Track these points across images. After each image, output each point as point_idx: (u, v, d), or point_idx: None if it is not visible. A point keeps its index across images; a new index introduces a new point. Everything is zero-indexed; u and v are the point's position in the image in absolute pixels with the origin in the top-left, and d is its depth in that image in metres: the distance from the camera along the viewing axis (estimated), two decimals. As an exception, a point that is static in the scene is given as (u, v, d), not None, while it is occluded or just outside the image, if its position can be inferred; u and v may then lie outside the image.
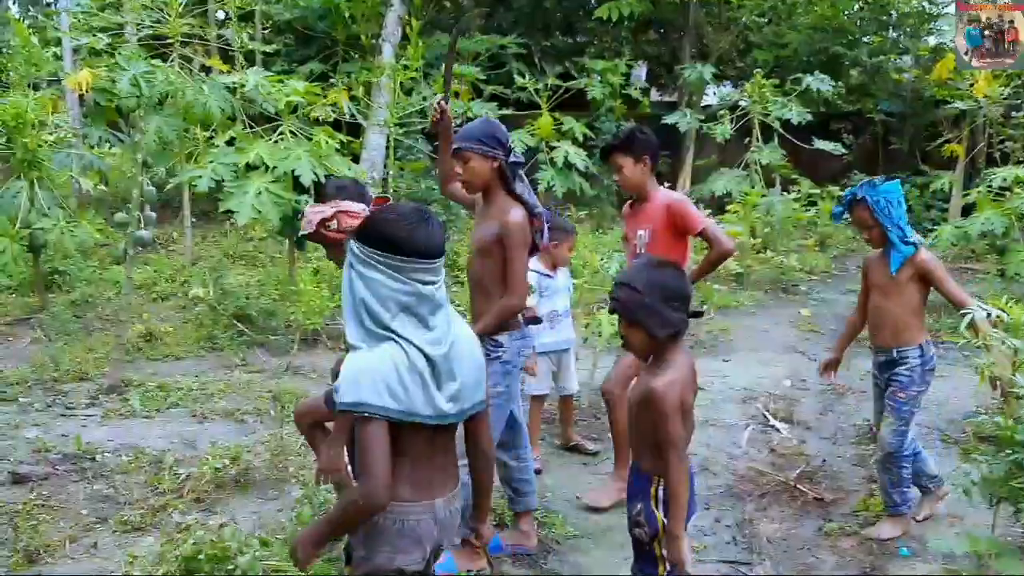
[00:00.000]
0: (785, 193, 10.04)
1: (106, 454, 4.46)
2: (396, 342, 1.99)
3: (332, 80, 10.48)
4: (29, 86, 7.81)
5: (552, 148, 10.18)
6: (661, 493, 2.47)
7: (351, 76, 10.53)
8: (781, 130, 10.39)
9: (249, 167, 6.14)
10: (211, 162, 6.06)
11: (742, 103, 10.89)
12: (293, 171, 6.20)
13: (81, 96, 8.12)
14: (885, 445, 3.69)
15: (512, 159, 3.23)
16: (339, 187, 3.04)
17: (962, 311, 3.25)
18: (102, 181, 9.71)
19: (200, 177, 5.94)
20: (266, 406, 5.34)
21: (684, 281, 2.54)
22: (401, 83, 8.00)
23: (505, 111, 9.33)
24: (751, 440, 4.94)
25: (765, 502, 4.15)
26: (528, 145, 10.03)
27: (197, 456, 4.46)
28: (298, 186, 6.40)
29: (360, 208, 2.97)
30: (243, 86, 6.46)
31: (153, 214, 6.99)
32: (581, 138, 10.50)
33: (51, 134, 7.54)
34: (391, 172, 8.24)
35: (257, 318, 7.15)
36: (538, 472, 4.16)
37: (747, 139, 10.53)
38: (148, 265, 8.84)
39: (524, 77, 10.38)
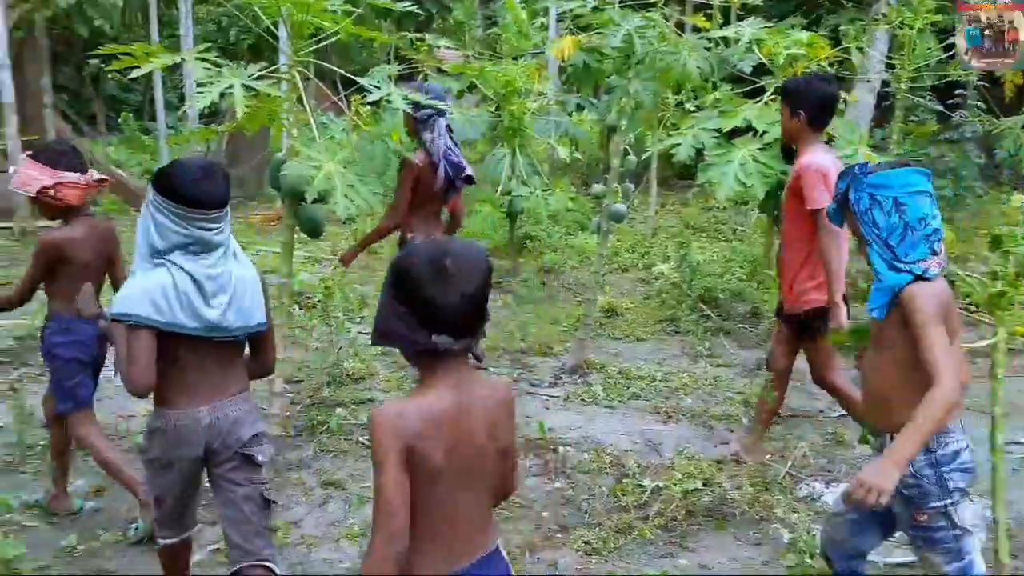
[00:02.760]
0: None
1: (567, 448, 4.13)
2: (167, 267, 2.29)
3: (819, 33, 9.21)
4: (515, 58, 8.03)
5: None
6: None
7: (840, 29, 9.16)
8: None
9: (731, 133, 5.40)
10: (691, 127, 5.43)
11: None
12: (783, 137, 5.29)
13: (560, 65, 8.14)
14: None
15: (417, 114, 3.99)
16: (60, 153, 3.05)
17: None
18: (575, 148, 9.83)
19: (679, 145, 5.35)
20: (736, 411, 4.64)
21: (431, 275, 1.62)
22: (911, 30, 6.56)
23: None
24: None
25: None
26: None
27: (662, 464, 3.92)
28: (787, 155, 5.47)
29: (77, 177, 3.10)
30: (734, 41, 5.69)
31: (631, 186, 6.67)
32: None
33: (534, 102, 7.65)
34: (892, 135, 6.83)
35: (724, 301, 6.50)
36: None
37: None
38: (611, 234, 8.70)
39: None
